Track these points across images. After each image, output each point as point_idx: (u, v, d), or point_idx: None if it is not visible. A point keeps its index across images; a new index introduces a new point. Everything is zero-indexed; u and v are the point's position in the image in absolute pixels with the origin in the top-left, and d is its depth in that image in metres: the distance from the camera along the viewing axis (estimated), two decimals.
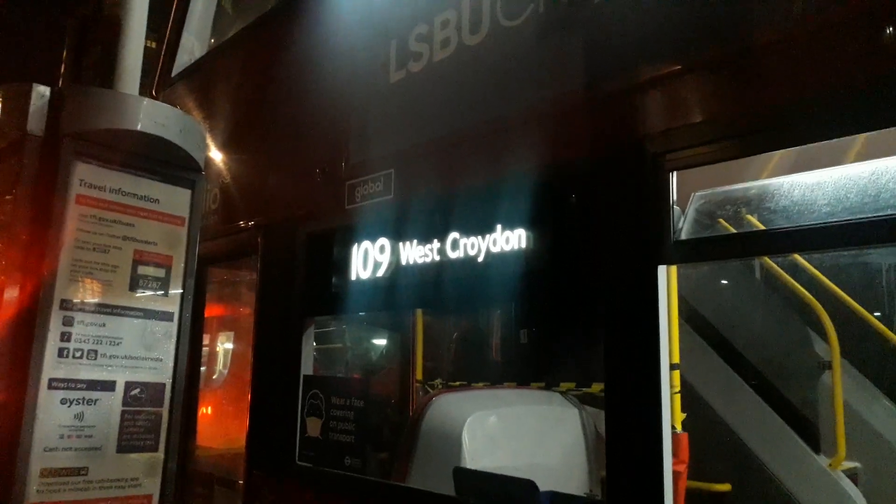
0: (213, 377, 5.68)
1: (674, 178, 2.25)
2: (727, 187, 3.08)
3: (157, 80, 5.08)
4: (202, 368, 5.01)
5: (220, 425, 4.74)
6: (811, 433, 3.63)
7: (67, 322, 2.24)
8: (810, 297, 3.51)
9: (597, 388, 4.07)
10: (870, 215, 2.04)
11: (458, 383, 4.58)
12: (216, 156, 4.29)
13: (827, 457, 3.49)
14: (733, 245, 2.40)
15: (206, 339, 5.30)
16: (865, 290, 3.94)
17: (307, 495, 3.32)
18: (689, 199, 3.01)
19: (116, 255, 2.34)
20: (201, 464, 4.32)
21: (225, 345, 5.84)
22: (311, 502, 3.29)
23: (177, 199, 2.50)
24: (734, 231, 2.85)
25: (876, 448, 3.81)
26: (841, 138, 1.96)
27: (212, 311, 5.22)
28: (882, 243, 2.14)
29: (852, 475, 3.62)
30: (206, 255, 4.37)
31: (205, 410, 4.88)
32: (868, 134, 2.01)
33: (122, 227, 2.37)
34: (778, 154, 2.94)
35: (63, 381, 2.22)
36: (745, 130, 2.09)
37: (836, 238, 2.02)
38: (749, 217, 3.08)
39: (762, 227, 2.76)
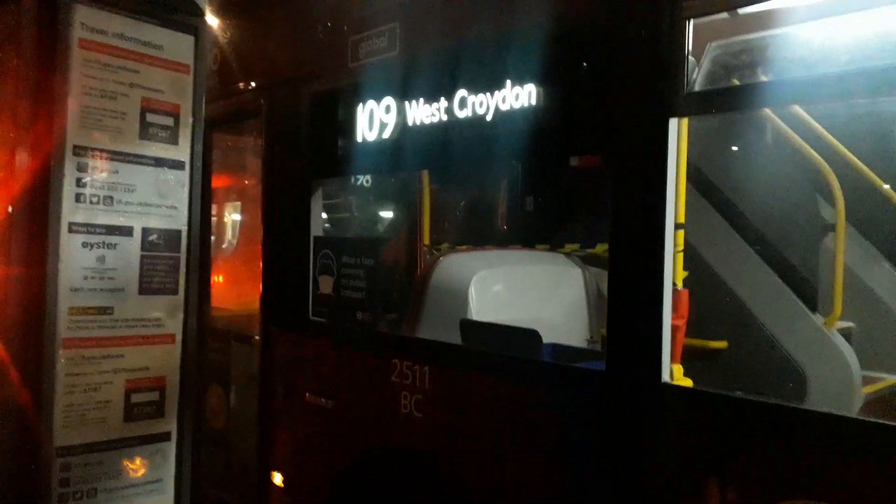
0: (224, 246, 5.80)
1: (690, 26, 2.18)
2: (744, 37, 2.98)
3: None
4: (212, 237, 5.11)
5: (233, 289, 4.89)
6: (809, 293, 3.70)
7: (82, 168, 2.28)
8: (819, 157, 3.48)
9: (601, 248, 4.13)
10: (887, 62, 1.98)
11: (465, 247, 4.66)
12: (214, 14, 4.14)
13: (823, 316, 3.59)
14: (747, 96, 2.35)
15: (214, 210, 5.36)
16: (879, 156, 3.90)
17: (321, 347, 3.47)
18: (704, 50, 2.93)
19: (124, 103, 2.34)
20: (217, 322, 4.50)
21: (233, 215, 5.92)
22: (325, 353, 3.45)
23: (180, 46, 2.45)
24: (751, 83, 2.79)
25: (872, 309, 3.91)
26: None
27: (218, 181, 5.24)
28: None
29: (846, 334, 3.74)
30: (208, 118, 4.33)
31: (217, 278, 5.01)
32: None
33: (128, 74, 2.35)
34: None
35: (82, 225, 2.29)
36: None
37: (851, 86, 1.97)
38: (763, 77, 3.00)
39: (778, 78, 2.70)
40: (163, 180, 2.43)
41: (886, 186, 3.87)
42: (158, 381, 2.47)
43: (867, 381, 3.51)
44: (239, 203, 5.81)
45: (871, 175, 3.78)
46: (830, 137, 3.72)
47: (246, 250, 5.14)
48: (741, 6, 2.20)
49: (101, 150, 2.31)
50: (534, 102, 2.58)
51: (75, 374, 2.32)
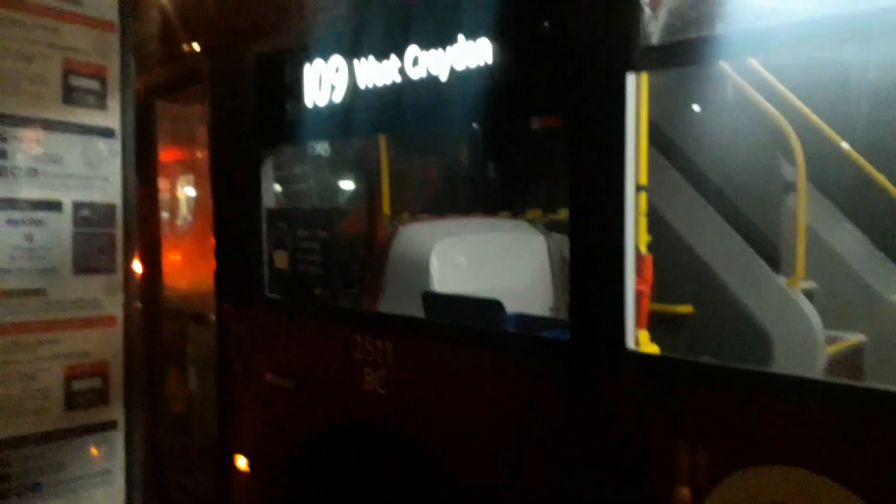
0: (179, 223, 5.59)
1: None
2: None
3: None
4: (165, 214, 4.90)
5: (190, 268, 4.72)
6: (772, 254, 3.69)
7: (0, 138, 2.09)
8: (779, 115, 3.43)
9: (563, 214, 4.06)
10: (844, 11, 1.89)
11: (425, 216, 4.54)
12: None
13: (786, 276, 3.58)
14: (706, 49, 2.26)
15: (166, 185, 5.14)
16: (841, 116, 3.88)
17: (279, 324, 3.35)
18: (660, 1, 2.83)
19: (43, 64, 2.14)
20: (172, 302, 4.33)
21: (187, 189, 5.70)
22: (284, 330, 3.33)
23: (102, 1, 2.25)
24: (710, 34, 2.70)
25: (834, 269, 3.91)
26: None
27: (170, 154, 5.02)
28: (865, 38, 2.02)
29: (809, 294, 3.74)
30: (151, 86, 4.12)
31: (173, 256, 4.83)
32: None
33: (45, 32, 2.14)
34: None
35: (5, 200, 2.11)
36: None
37: (808, 36, 1.90)
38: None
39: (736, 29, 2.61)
40: (92, 149, 2.25)
41: (845, 144, 3.85)
42: (100, 366, 2.33)
43: (830, 340, 3.52)
44: (193, 177, 5.59)
45: (831, 132, 3.76)
46: (791, 95, 3.67)
47: (201, 227, 4.95)
48: None
49: (21, 118, 2.12)
50: (489, 60, 2.47)
51: (8, 362, 2.16)
